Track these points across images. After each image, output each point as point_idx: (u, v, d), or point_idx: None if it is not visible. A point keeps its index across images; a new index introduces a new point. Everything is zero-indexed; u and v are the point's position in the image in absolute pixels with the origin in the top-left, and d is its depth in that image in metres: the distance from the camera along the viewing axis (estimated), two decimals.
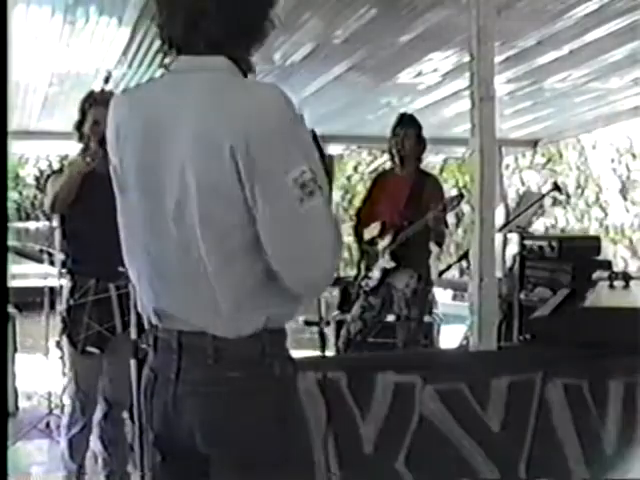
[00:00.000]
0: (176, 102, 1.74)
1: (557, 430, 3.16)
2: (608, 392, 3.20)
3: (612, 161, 13.36)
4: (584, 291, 3.94)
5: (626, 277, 4.08)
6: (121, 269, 1.95)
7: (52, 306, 5.27)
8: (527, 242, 5.73)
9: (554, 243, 5.78)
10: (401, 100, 6.65)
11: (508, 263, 5.51)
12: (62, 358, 4.56)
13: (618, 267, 10.04)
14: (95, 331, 3.65)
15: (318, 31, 4.73)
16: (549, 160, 14.13)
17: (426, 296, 5.41)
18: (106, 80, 4.08)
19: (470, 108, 3.46)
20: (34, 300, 6.10)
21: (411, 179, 5.25)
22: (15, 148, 8.48)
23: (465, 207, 10.56)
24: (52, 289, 5.28)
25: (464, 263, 4.60)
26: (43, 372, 5.35)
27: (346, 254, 9.01)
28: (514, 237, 5.58)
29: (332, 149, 9.13)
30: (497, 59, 3.78)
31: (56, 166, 11.94)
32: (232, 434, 1.76)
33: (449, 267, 5.43)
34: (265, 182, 1.67)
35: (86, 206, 3.58)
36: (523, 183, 14.26)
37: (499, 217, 5.88)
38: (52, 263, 5.28)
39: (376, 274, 5.24)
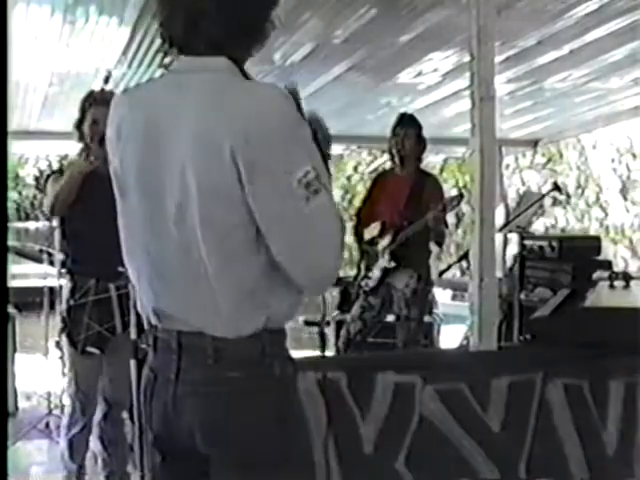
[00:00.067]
0: (176, 102, 1.74)
1: (557, 430, 3.15)
2: (608, 392, 3.19)
3: (612, 161, 13.36)
4: (584, 291, 3.93)
5: (626, 277, 4.08)
6: (121, 269, 1.95)
7: (52, 306, 5.28)
8: (527, 242, 5.72)
9: (554, 243, 5.78)
10: (401, 100, 6.65)
11: (508, 263, 5.51)
12: (62, 358, 4.56)
13: (618, 267, 10.03)
14: (95, 331, 3.65)
15: (318, 31, 4.73)
16: (549, 160, 14.13)
17: (426, 296, 5.41)
18: (106, 80, 4.08)
19: (470, 108, 3.46)
20: (34, 300, 6.11)
21: (411, 179, 5.25)
22: (15, 148, 8.47)
23: (465, 207, 10.55)
24: (52, 289, 5.29)
25: (464, 263, 4.60)
26: (43, 372, 5.35)
27: (346, 254, 9.00)
28: (514, 237, 5.58)
29: (332, 149, 9.13)
30: (497, 59, 3.78)
31: (56, 166, 11.93)
32: (232, 434, 1.76)
33: (449, 267, 5.43)
34: (269, 183, 1.67)
35: (86, 206, 3.58)
36: (523, 183, 14.26)
37: (499, 217, 5.88)
38: (52, 263, 5.28)
39: (376, 274, 5.24)
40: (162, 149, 1.74)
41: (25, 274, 7.34)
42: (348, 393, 2.97)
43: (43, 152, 12.64)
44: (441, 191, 5.46)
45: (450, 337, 6.52)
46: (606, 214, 13.42)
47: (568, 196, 12.55)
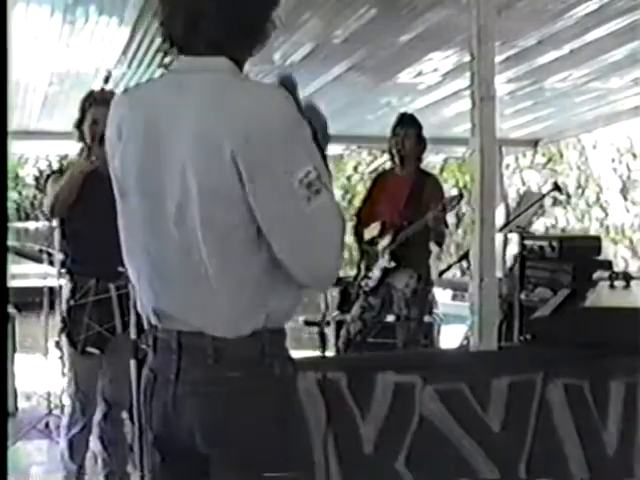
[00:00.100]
0: (176, 102, 1.74)
1: (558, 430, 3.15)
2: (609, 392, 3.19)
3: (612, 161, 13.36)
4: (585, 291, 3.93)
5: (627, 277, 4.08)
6: (121, 269, 1.95)
7: (51, 306, 5.28)
8: (527, 242, 5.72)
9: (554, 243, 5.78)
10: (401, 100, 6.65)
11: (508, 263, 5.51)
12: (61, 358, 4.55)
13: (619, 267, 10.04)
14: (95, 331, 3.65)
15: (318, 31, 4.72)
16: (549, 160, 14.13)
17: (426, 296, 5.40)
18: (106, 80, 4.08)
19: (470, 108, 3.46)
20: (33, 300, 6.10)
21: (411, 179, 5.24)
22: (15, 148, 8.47)
23: (465, 207, 10.55)
24: (51, 289, 5.29)
25: (464, 263, 4.60)
26: (42, 372, 5.35)
27: (346, 254, 9.00)
28: (514, 237, 5.57)
29: (332, 149, 9.14)
30: (497, 59, 3.77)
31: (56, 166, 11.93)
32: (232, 434, 1.75)
33: (449, 267, 5.43)
34: (270, 183, 1.67)
35: (86, 206, 3.57)
36: (523, 183, 14.26)
37: (499, 217, 5.88)
38: (51, 263, 5.28)
39: (376, 274, 5.23)
40: (162, 149, 1.74)
41: (25, 274, 7.33)
42: (348, 393, 2.97)
43: (43, 152, 12.64)
44: (441, 191, 5.45)
45: (450, 337, 6.51)
46: (606, 214, 13.42)
47: (568, 196, 12.56)
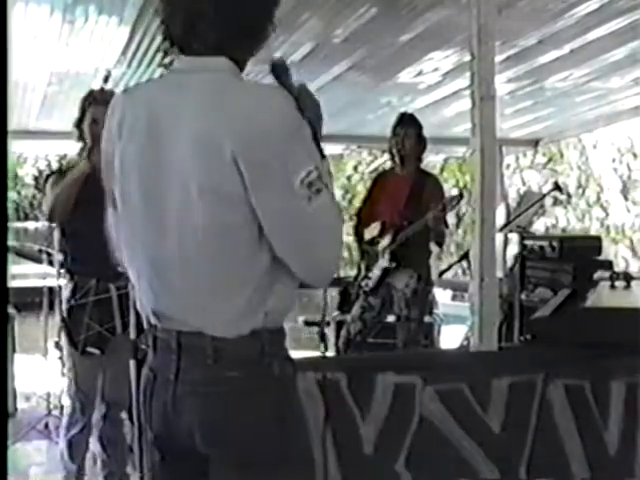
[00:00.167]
0: (177, 102, 1.74)
1: (558, 431, 3.14)
2: (610, 393, 3.19)
3: (613, 161, 13.35)
4: (585, 291, 3.93)
5: (627, 277, 4.07)
6: (121, 269, 1.94)
7: (51, 306, 5.26)
8: (528, 242, 5.72)
9: (555, 243, 5.77)
10: (401, 99, 6.64)
11: (509, 263, 5.50)
12: (61, 359, 4.54)
13: (619, 267, 10.03)
14: (95, 331, 3.64)
15: (318, 31, 4.72)
16: (550, 160, 14.12)
17: (426, 296, 5.39)
18: (105, 79, 4.08)
19: (470, 107, 3.45)
20: (33, 300, 6.09)
21: (411, 179, 5.24)
22: (14, 147, 8.47)
23: (465, 207, 10.55)
24: (51, 289, 5.28)
25: (464, 263, 4.59)
26: (42, 373, 5.34)
27: (346, 254, 9.00)
28: (515, 237, 5.57)
29: (332, 149, 9.14)
30: (498, 58, 3.77)
31: (55, 166, 11.93)
32: (231, 434, 1.76)
33: (449, 267, 5.42)
34: (270, 183, 1.67)
35: (86, 206, 3.56)
36: (524, 183, 14.25)
37: (500, 217, 5.87)
38: (51, 263, 5.27)
39: (376, 274, 5.23)
40: (162, 149, 1.73)
41: (24, 274, 7.32)
42: (348, 393, 2.97)
43: (42, 152, 12.63)
44: (441, 191, 5.44)
45: (450, 337, 6.50)
46: (607, 214, 13.41)
47: (569, 196, 12.56)
